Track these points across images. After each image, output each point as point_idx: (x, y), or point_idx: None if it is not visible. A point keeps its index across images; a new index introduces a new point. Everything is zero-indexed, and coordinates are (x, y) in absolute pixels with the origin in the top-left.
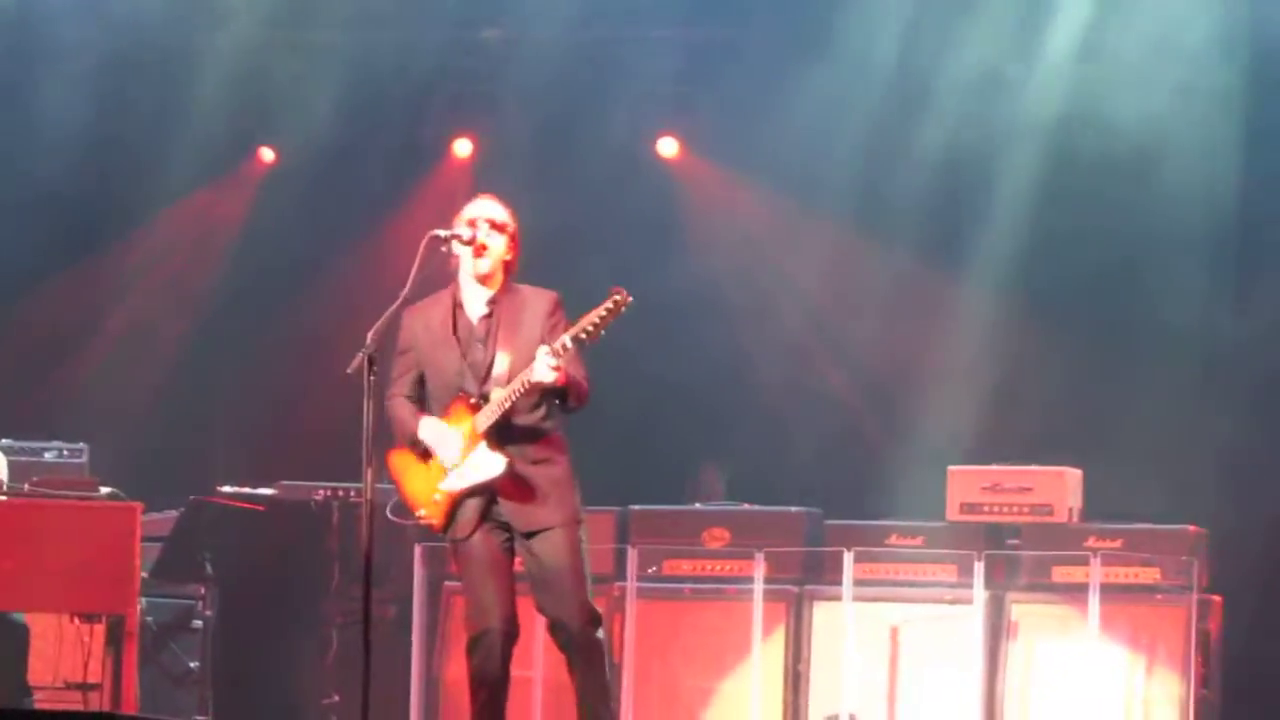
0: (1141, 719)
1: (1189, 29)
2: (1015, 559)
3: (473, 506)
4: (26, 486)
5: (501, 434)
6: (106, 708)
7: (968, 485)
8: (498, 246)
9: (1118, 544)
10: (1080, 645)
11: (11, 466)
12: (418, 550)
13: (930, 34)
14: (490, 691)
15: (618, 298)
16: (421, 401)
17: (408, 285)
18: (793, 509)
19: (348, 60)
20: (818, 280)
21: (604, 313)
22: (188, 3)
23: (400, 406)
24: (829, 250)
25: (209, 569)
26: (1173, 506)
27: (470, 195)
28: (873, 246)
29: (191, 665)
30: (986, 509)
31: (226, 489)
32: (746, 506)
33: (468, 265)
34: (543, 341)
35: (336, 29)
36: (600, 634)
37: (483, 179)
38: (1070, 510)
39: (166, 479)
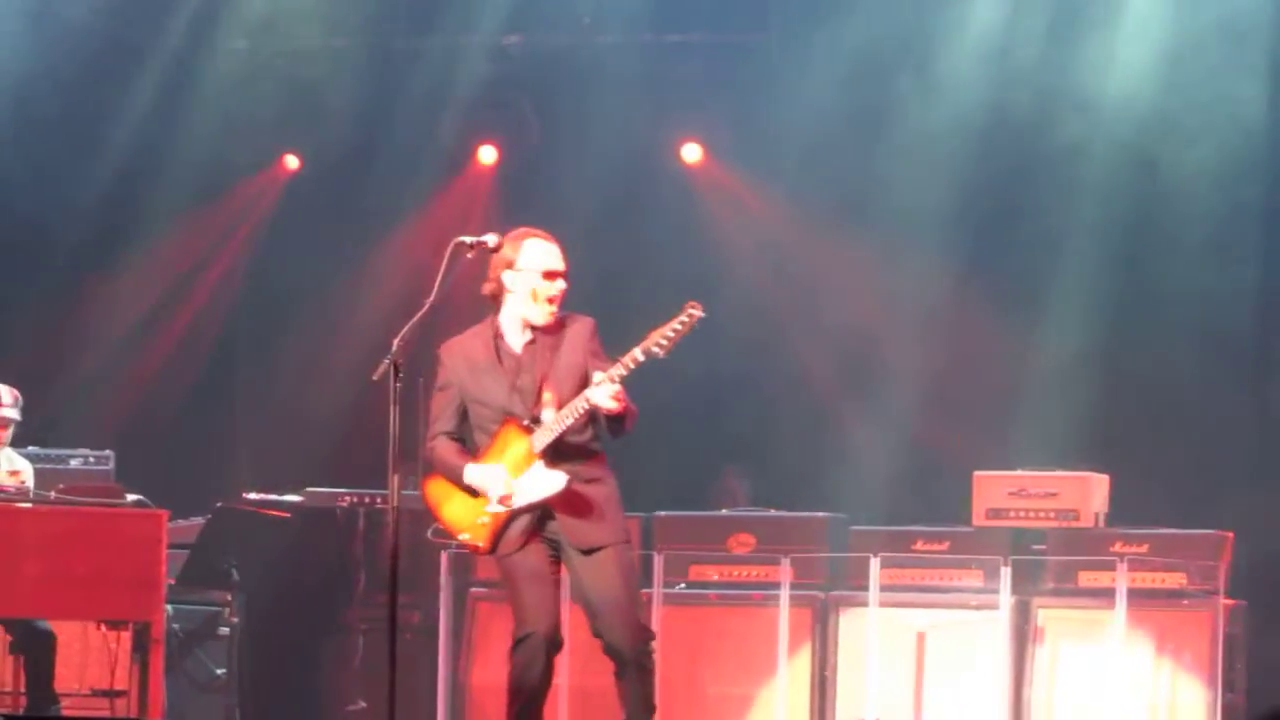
0: None
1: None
2: (1041, 564)
3: (521, 525)
4: (53, 494)
5: (554, 454)
6: (133, 715)
7: (994, 490)
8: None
9: (1144, 549)
10: (1106, 650)
11: (37, 474)
12: (444, 557)
13: (951, 37)
14: (529, 699)
15: (692, 311)
16: (463, 438)
17: (433, 292)
18: (818, 514)
19: (371, 67)
20: (842, 286)
21: (678, 326)
22: (212, 7)
23: (443, 449)
24: (852, 256)
25: (235, 576)
26: (1198, 511)
27: (493, 201)
28: (895, 253)
29: (218, 672)
30: (1012, 514)
31: (252, 496)
32: (772, 512)
33: (519, 307)
34: (585, 364)
35: (359, 35)
36: (652, 647)
37: (505, 185)
38: (1096, 515)
39: (192, 486)
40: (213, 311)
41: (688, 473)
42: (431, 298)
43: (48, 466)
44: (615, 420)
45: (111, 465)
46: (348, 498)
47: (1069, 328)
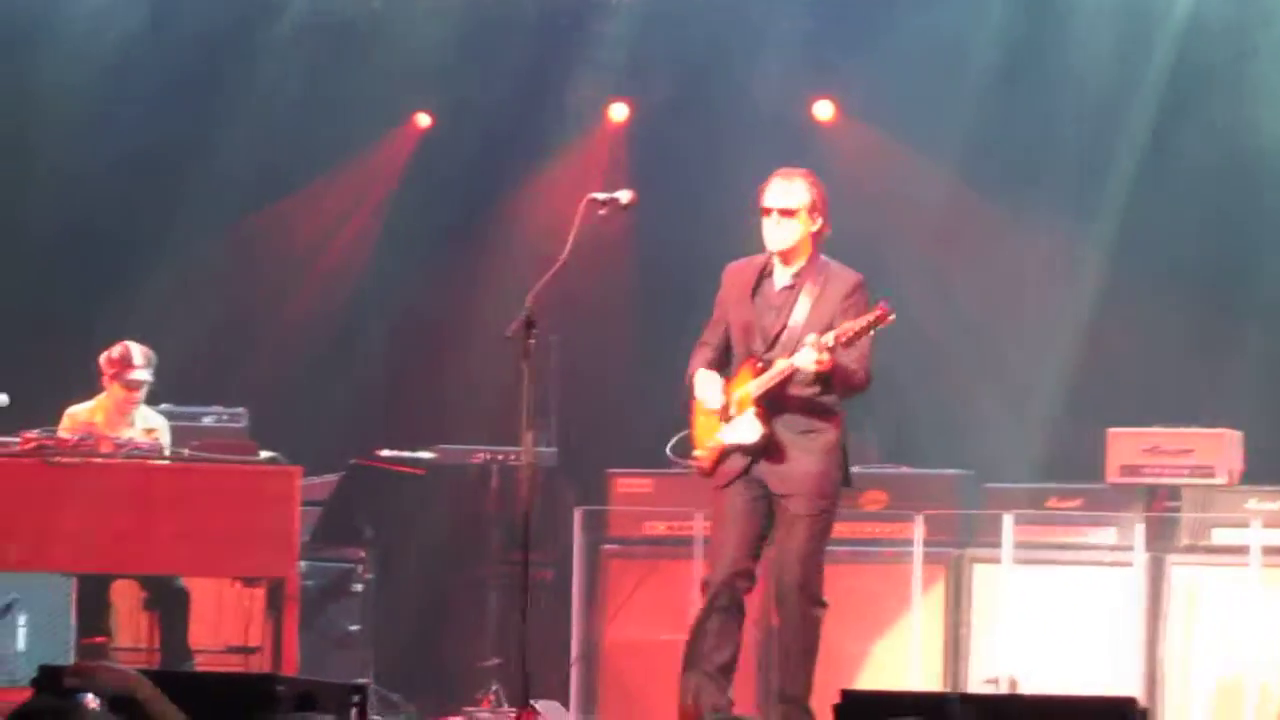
0: None
1: None
2: (1175, 521)
3: (737, 460)
4: (187, 451)
5: (776, 402)
6: (267, 671)
7: (1127, 447)
8: (789, 233)
9: (1278, 505)
10: (1241, 607)
11: (171, 431)
12: (577, 514)
13: None
14: (701, 637)
15: (879, 313)
16: (726, 352)
17: (566, 248)
18: (950, 471)
19: (501, 23)
20: (975, 243)
21: (865, 323)
22: None
23: (698, 354)
24: (986, 213)
25: (368, 533)
26: None
27: (623, 159)
28: (1028, 210)
29: (352, 629)
30: (1146, 471)
31: (386, 453)
32: (904, 469)
33: (770, 239)
34: (835, 319)
35: None
36: (818, 612)
37: (637, 142)
38: (1230, 472)
39: (326, 443)
40: (346, 268)
41: None
42: (565, 254)
43: (182, 424)
44: (824, 379)
45: (245, 422)
46: (481, 454)
47: (1203, 284)
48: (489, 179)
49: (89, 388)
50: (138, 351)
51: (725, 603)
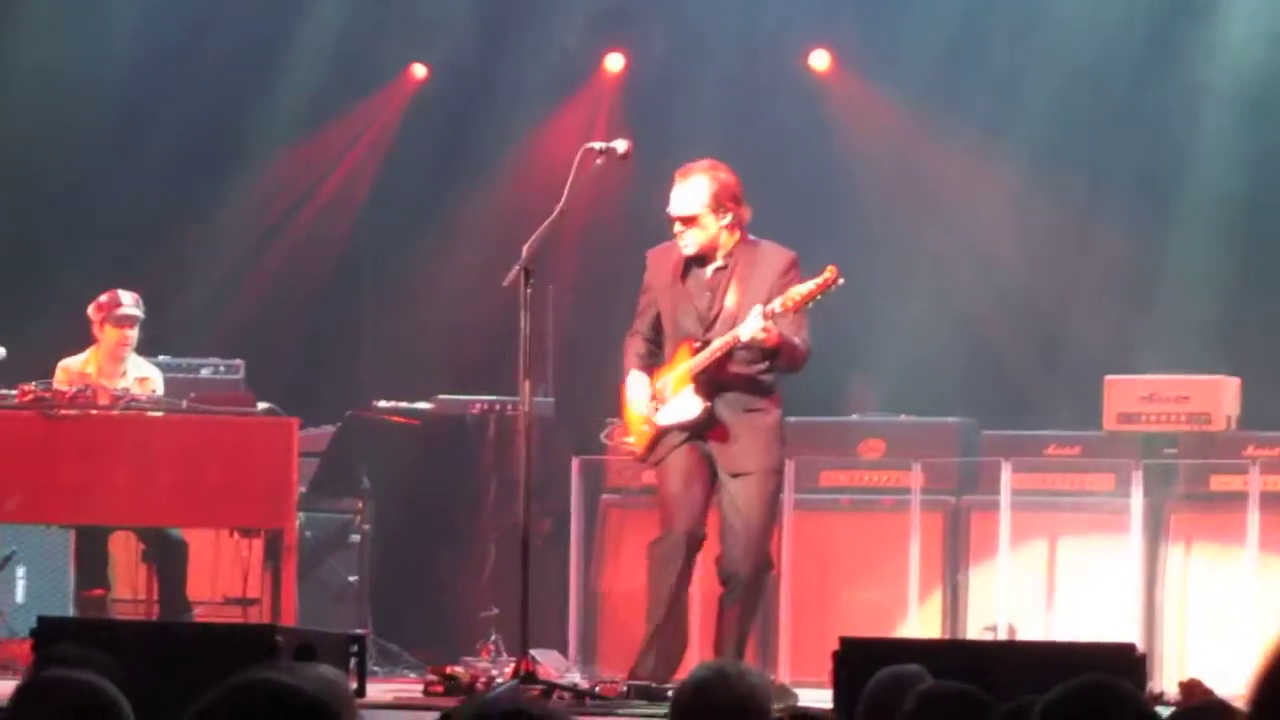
0: None
1: None
2: (1173, 468)
3: (677, 437)
4: (185, 403)
5: (716, 381)
6: (266, 622)
7: (1125, 395)
8: (696, 238)
9: (1276, 452)
10: (1238, 554)
11: (168, 383)
12: (574, 463)
13: None
14: (665, 596)
15: (828, 275)
16: (658, 339)
17: (563, 198)
18: (949, 419)
19: None
20: (971, 194)
21: (812, 286)
22: None
23: (630, 346)
24: (982, 164)
25: (366, 484)
26: None
27: (621, 109)
28: (1025, 158)
29: (350, 579)
30: (1144, 418)
31: (383, 404)
32: (903, 418)
33: (682, 246)
34: (771, 298)
35: None
36: (767, 580)
37: (633, 93)
38: (1228, 419)
39: (323, 394)
40: (341, 218)
41: (818, 379)
42: (561, 204)
43: (179, 375)
44: (771, 354)
45: (242, 374)
46: (478, 405)
47: (1199, 229)
48: (485, 129)
49: (84, 342)
50: (124, 293)
51: (688, 559)
